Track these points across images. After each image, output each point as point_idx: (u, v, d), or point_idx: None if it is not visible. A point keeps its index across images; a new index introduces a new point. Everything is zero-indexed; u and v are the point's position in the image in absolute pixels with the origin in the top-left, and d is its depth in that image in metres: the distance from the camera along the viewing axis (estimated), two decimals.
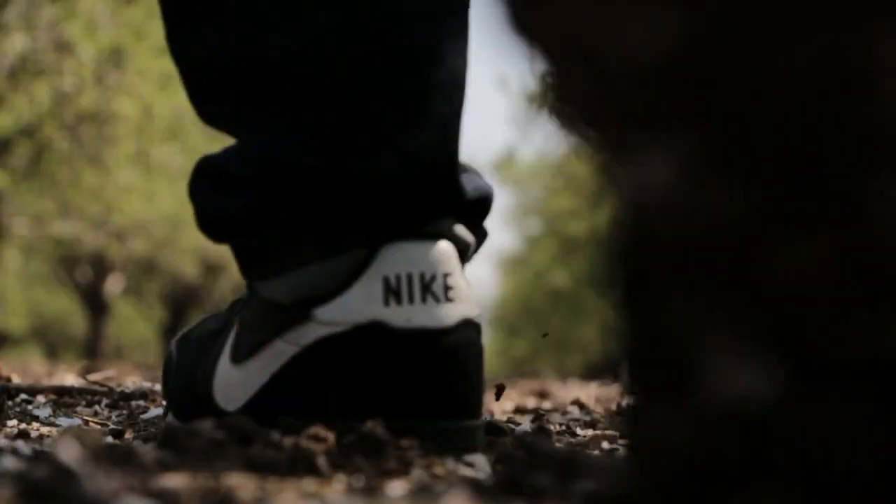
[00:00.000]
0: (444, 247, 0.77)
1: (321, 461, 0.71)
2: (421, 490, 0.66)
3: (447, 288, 0.76)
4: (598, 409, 1.53)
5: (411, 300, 0.75)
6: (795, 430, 0.37)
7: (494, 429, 0.93)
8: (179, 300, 12.36)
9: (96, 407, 1.26)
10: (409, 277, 0.75)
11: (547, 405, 1.90)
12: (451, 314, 0.76)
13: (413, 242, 0.76)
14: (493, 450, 0.82)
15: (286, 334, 0.78)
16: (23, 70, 5.69)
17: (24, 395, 1.32)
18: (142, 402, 1.27)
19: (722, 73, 0.38)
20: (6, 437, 0.93)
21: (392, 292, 0.75)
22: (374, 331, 0.75)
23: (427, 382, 0.76)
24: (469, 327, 0.78)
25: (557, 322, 14.15)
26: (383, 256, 0.76)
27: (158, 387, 1.36)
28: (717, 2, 0.37)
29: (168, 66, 6.10)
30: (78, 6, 5.57)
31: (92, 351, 10.66)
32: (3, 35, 5.50)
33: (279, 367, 0.79)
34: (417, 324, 0.75)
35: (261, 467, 0.69)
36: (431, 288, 0.76)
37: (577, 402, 1.57)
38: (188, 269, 11.18)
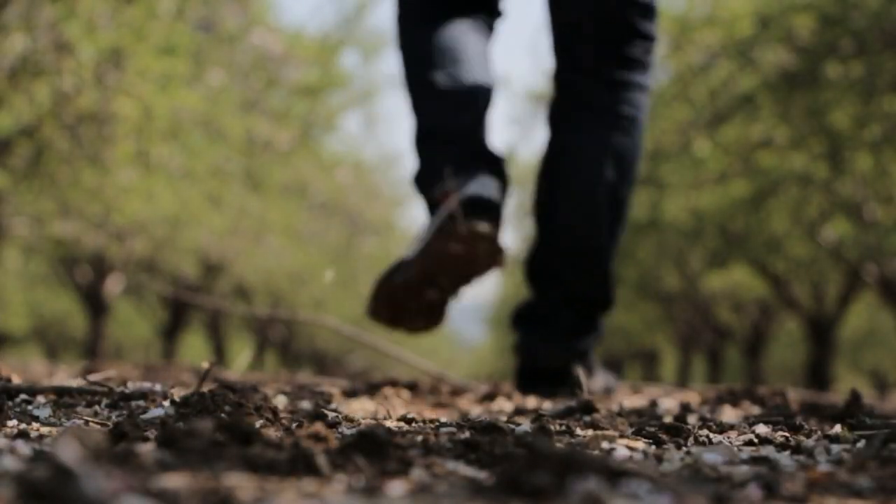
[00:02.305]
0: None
1: (321, 461, 0.70)
2: (421, 490, 0.66)
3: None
4: (600, 409, 1.53)
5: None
6: None
7: (494, 429, 0.93)
8: (179, 300, 12.34)
9: (96, 407, 1.26)
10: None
11: (547, 405, 1.90)
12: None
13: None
14: (494, 449, 0.82)
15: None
16: (23, 70, 5.69)
17: (24, 395, 1.31)
18: (142, 403, 1.27)
19: None
20: (6, 437, 0.93)
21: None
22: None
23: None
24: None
25: None
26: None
27: (158, 387, 1.36)
28: None
29: (168, 66, 6.10)
30: (78, 6, 5.57)
31: (92, 351, 10.66)
32: (3, 35, 5.50)
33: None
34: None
35: (261, 467, 0.69)
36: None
37: (582, 402, 1.57)
38: (188, 269, 11.18)
